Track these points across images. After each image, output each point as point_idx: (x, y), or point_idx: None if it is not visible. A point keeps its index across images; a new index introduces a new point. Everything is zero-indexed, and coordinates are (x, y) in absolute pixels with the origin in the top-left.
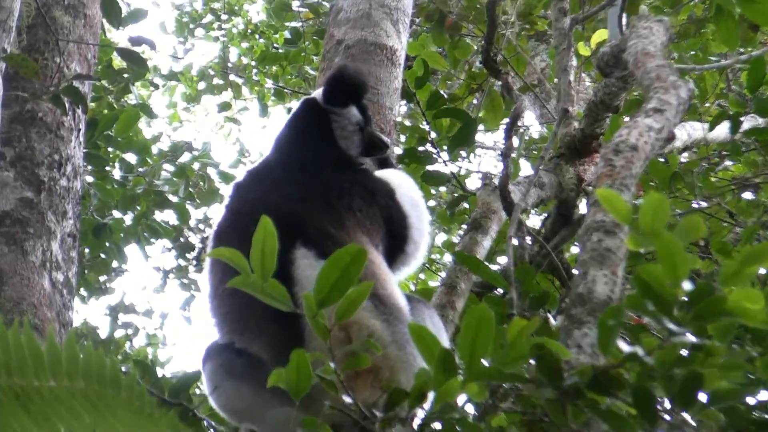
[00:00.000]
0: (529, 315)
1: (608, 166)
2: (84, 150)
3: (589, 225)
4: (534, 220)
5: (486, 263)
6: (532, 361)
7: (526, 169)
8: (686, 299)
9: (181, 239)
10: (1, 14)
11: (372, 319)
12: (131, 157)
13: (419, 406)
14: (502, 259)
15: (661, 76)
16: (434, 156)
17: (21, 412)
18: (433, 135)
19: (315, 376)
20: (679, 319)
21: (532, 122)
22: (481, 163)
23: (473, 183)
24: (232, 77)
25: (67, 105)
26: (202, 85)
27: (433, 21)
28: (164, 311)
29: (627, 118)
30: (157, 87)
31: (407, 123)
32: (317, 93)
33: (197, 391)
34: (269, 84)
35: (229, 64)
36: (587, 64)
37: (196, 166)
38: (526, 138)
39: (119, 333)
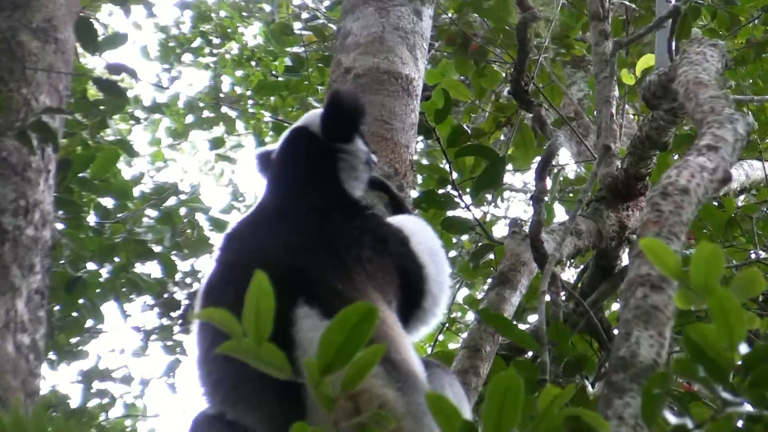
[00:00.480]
0: (564, 382)
1: (655, 211)
2: (54, 194)
3: (633, 279)
4: (570, 274)
5: (514, 322)
6: None
7: (560, 214)
8: (743, 364)
9: (166, 295)
10: None
11: (384, 388)
12: (108, 202)
13: None
14: (533, 318)
15: (715, 108)
16: (456, 200)
17: None
18: (454, 176)
19: None
20: (735, 387)
21: (567, 161)
22: (510, 208)
23: (500, 231)
24: (224, 109)
25: (35, 143)
26: (190, 119)
27: (455, 45)
28: (145, 378)
29: (676, 157)
30: (138, 121)
31: (425, 162)
32: (309, 122)
33: None
34: (267, 117)
35: (222, 95)
36: (631, 95)
37: (183, 211)
38: (561, 179)
39: (93, 402)
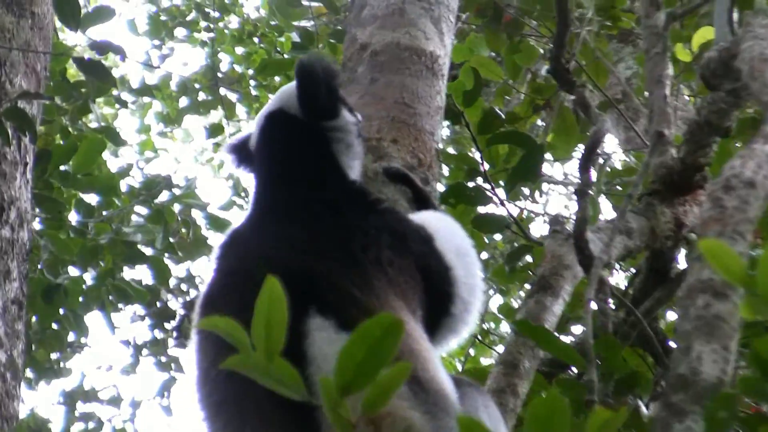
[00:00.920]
0: (614, 403)
1: (717, 207)
2: (32, 190)
3: (693, 285)
4: (619, 278)
5: (556, 334)
6: None
7: (608, 210)
8: None
9: (158, 304)
10: None
11: (410, 410)
12: (92, 198)
13: None
14: (578, 329)
15: None
16: (488, 194)
17: None
18: (486, 166)
19: None
20: None
21: (615, 149)
22: (549, 202)
23: (539, 229)
24: (223, 91)
25: (10, 132)
26: (183, 102)
27: (486, 17)
28: (136, 398)
29: (739, 144)
30: (125, 105)
31: (452, 151)
32: (284, 103)
33: None
34: None
35: (220, 75)
36: (688, 73)
37: (177, 208)
38: (608, 170)
39: (77, 427)
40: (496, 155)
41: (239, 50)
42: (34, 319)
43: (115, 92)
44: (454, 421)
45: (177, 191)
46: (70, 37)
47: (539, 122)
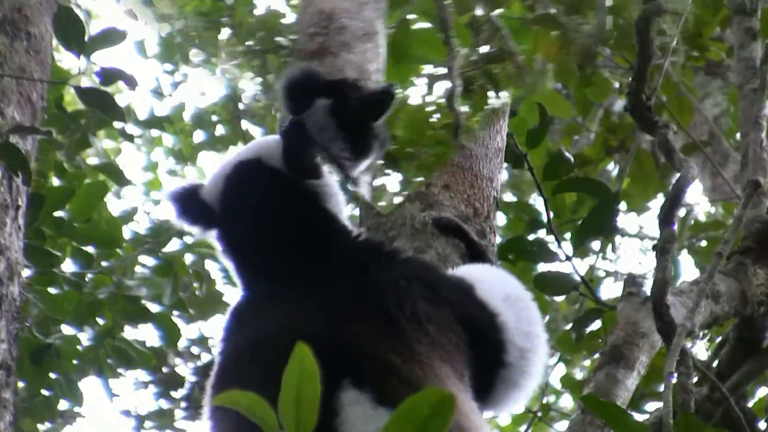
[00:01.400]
0: None
1: None
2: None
3: None
4: (703, 348)
5: (629, 412)
6: None
7: (691, 270)
8: None
9: (165, 369)
10: None
11: None
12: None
13: None
14: (655, 406)
15: None
16: (552, 249)
17: None
18: (550, 217)
19: None
20: None
21: (699, 198)
22: (622, 259)
23: (610, 290)
24: (245, 125)
25: (0, 172)
26: (199, 137)
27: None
28: None
29: None
30: (130, 139)
31: (509, 198)
32: (263, 154)
33: None
34: None
35: (242, 106)
36: None
37: (188, 258)
38: (691, 222)
39: None
40: (562, 204)
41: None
42: (20, 384)
43: (118, 124)
44: None
45: (188, 239)
46: (66, 59)
47: (612, 166)
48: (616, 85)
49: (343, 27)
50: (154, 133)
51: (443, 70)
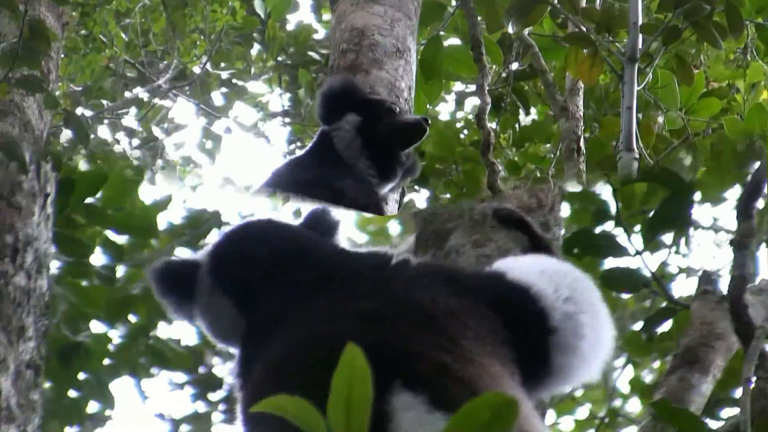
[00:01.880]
0: None
1: None
2: (53, 228)
3: None
4: None
5: (704, 419)
6: None
7: None
8: None
9: (202, 369)
10: None
11: None
12: (122, 236)
13: None
14: (731, 412)
15: None
16: (620, 243)
17: None
18: (618, 207)
19: None
20: None
21: None
22: (696, 254)
23: (683, 288)
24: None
25: (27, 156)
26: None
27: None
28: None
29: None
30: None
31: (574, 188)
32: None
33: None
34: None
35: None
36: None
37: None
38: None
39: None
40: (631, 194)
41: None
42: (47, 384)
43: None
44: None
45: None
46: None
47: (684, 155)
48: None
49: (375, 44)
50: None
51: (473, 87)
